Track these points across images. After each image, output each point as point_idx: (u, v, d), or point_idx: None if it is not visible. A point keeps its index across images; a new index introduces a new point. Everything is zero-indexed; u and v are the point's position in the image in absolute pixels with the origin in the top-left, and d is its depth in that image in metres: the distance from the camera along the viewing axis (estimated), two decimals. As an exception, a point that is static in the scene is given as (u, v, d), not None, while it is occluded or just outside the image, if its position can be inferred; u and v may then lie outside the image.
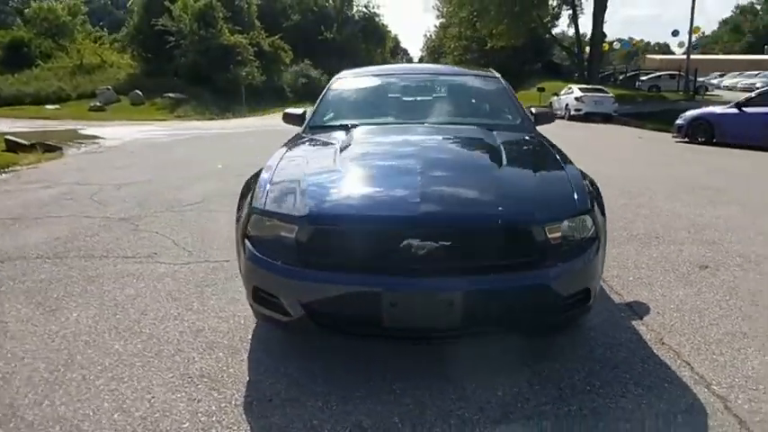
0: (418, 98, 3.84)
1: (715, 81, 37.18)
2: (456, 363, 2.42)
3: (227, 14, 33.11)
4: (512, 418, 2.09)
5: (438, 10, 74.79)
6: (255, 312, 2.52)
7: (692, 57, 29.07)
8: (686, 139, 11.50)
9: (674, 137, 12.08)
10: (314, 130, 3.48)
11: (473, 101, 3.89)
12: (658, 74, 34.28)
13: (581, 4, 32.30)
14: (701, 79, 30.99)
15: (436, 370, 2.39)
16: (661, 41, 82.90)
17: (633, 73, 35.63)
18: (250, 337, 2.76)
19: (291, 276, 2.21)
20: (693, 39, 29.54)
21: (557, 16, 33.60)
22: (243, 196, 2.72)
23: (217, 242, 4.29)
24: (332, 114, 3.70)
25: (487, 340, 2.37)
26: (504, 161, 2.57)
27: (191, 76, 30.82)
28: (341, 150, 2.80)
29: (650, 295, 3.25)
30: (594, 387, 2.30)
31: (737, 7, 79.29)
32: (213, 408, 2.17)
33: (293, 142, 3.18)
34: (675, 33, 30.74)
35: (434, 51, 79.53)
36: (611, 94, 20.25)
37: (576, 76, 44.65)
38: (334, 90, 3.83)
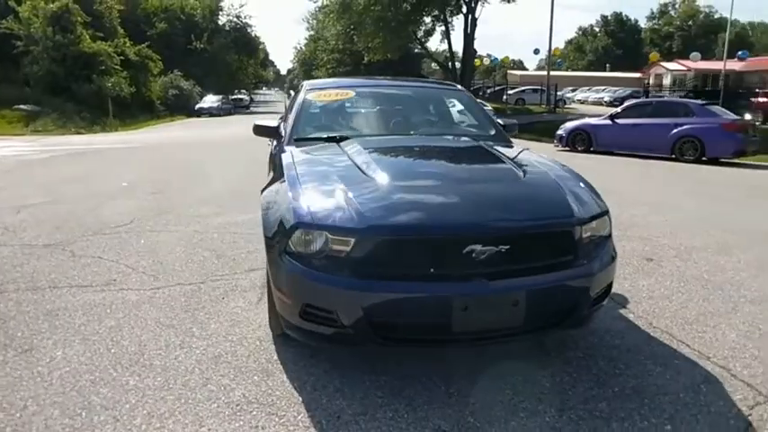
0: (397, 110, 3.93)
1: (569, 95, 41.57)
2: (489, 363, 2.54)
3: (87, 19, 30.33)
4: (571, 404, 2.26)
5: (308, 22, 75.01)
6: (292, 329, 2.43)
7: (550, 73, 32.39)
8: (567, 148, 12.80)
9: (555, 146, 13.37)
10: (301, 142, 3.40)
11: (450, 113, 4.06)
12: (523, 88, 37.62)
13: (452, 21, 34.40)
14: (559, 93, 34.53)
15: (475, 371, 2.49)
16: (515, 58, 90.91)
17: (500, 87, 38.68)
18: (276, 357, 2.64)
19: (354, 288, 2.18)
20: (551, 57, 32.85)
21: (430, 32, 35.41)
22: (269, 209, 2.59)
23: (177, 264, 4.00)
24: (316, 126, 3.65)
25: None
26: (520, 169, 2.75)
27: (46, 86, 27.61)
28: (358, 161, 2.80)
29: (620, 287, 3.63)
30: (622, 369, 2.55)
31: (580, 29, 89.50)
32: (281, 431, 2.07)
33: (294, 155, 3.08)
34: (537, 51, 33.99)
35: (306, 63, 79.76)
36: (489, 107, 21.76)
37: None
38: (309, 101, 3.78)
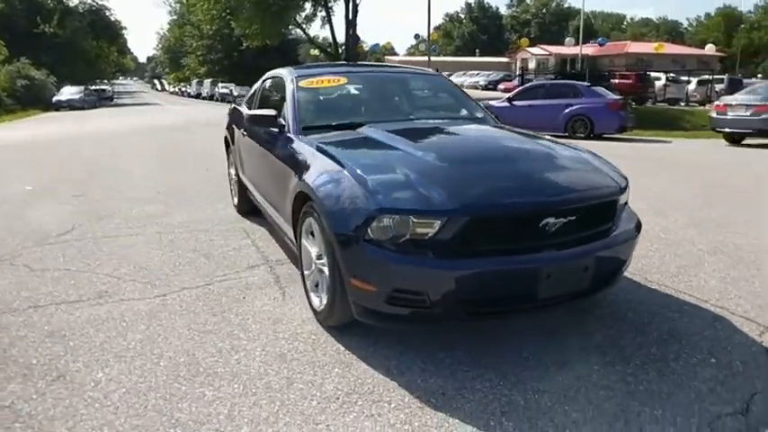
0: (392, 95, 3.96)
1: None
2: (540, 329, 2.76)
3: None
4: (629, 352, 2.54)
5: (170, 5, 70.07)
6: (368, 314, 2.44)
7: (423, 58, 33.51)
8: (471, 129, 13.51)
9: (458, 127, 14.03)
10: (309, 131, 3.33)
11: (442, 98, 4.16)
12: (405, 74, 38.49)
13: (332, 6, 34.22)
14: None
15: (527, 338, 2.69)
16: (389, 44, 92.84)
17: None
18: (342, 348, 2.62)
19: (446, 268, 2.26)
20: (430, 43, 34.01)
21: (311, 18, 34.88)
22: (339, 198, 2.51)
23: (166, 268, 3.73)
24: (319, 114, 3.58)
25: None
26: (550, 147, 2.97)
27: None
28: (401, 146, 2.84)
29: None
30: (650, 318, 2.90)
31: (447, 15, 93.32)
32: (401, 416, 2.10)
33: (317, 143, 3.01)
34: (417, 37, 34.96)
35: (172, 51, 74.61)
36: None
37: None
38: (304, 89, 3.67)
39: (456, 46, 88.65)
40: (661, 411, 2.12)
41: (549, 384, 2.30)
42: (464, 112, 3.93)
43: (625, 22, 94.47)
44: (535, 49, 47.86)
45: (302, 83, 3.73)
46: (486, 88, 40.89)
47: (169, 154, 10.08)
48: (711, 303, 3.10)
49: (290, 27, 35.98)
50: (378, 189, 2.39)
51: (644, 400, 2.19)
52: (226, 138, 5.31)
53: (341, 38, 34.94)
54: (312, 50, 52.84)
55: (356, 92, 3.97)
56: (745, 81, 24.32)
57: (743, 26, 52.11)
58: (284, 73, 4.02)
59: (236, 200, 5.28)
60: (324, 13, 33.94)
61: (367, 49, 44.69)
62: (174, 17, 74.29)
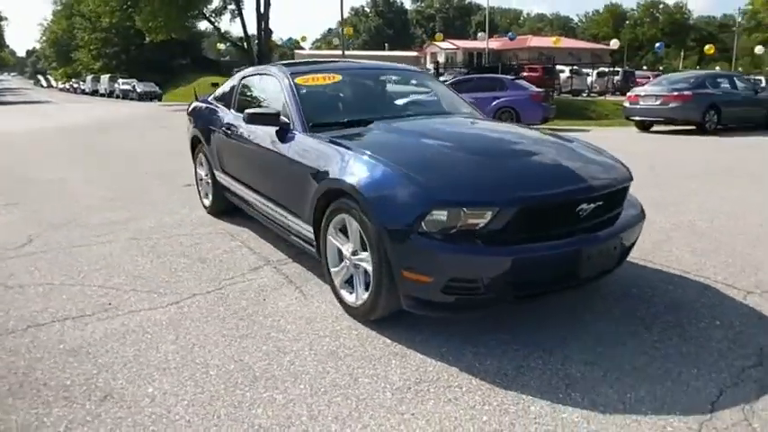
0: (388, 92, 4.00)
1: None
2: (561, 309, 2.98)
3: None
4: (648, 322, 2.81)
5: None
6: (419, 304, 2.52)
7: (333, 52, 33.52)
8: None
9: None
10: (319, 128, 3.32)
11: (432, 94, 4.25)
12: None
13: (241, 2, 33.22)
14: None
15: (550, 318, 2.90)
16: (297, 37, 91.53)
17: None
18: (389, 340, 2.67)
19: (500, 255, 2.39)
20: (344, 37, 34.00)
21: (220, 11, 33.59)
22: (389, 194, 2.55)
23: (162, 275, 3.56)
24: (325, 112, 3.56)
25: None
26: (561, 138, 3.18)
27: None
28: (428, 142, 2.93)
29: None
30: (652, 291, 3.20)
31: (353, 9, 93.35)
32: (476, 398, 2.20)
33: (337, 141, 3.02)
34: (330, 31, 34.59)
35: (60, 44, 68.82)
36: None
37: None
38: (302, 87, 3.63)
39: (363, 40, 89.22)
40: (696, 370, 2.39)
41: (594, 357, 2.50)
42: (456, 107, 4.06)
43: (522, 18, 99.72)
44: (444, 44, 49.29)
45: (298, 80, 3.69)
46: (400, 82, 41.56)
47: (96, 158, 9.40)
48: (694, 274, 3.47)
49: (196, 20, 34.43)
50: (429, 183, 2.47)
51: (678, 362, 2.45)
52: (194, 138, 5.09)
53: (251, 31, 34.07)
54: (219, 44, 51.05)
55: (353, 89, 3.98)
56: (637, 73, 26.62)
57: (628, 22, 57.06)
58: (274, 70, 3.94)
59: (206, 201, 5.09)
60: (234, 6, 32.83)
61: (281, 43, 43.89)
62: (59, 7, 68.55)
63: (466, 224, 2.40)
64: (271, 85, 3.95)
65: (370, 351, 2.58)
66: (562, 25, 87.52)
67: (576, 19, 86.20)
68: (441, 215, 2.39)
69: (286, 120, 3.46)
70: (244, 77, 4.48)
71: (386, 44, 66.33)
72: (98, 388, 2.31)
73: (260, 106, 3.98)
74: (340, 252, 2.97)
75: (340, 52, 50.53)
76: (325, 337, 2.72)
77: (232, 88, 4.58)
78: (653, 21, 56.38)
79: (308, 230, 3.18)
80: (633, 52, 51.44)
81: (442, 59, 50.59)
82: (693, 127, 11.54)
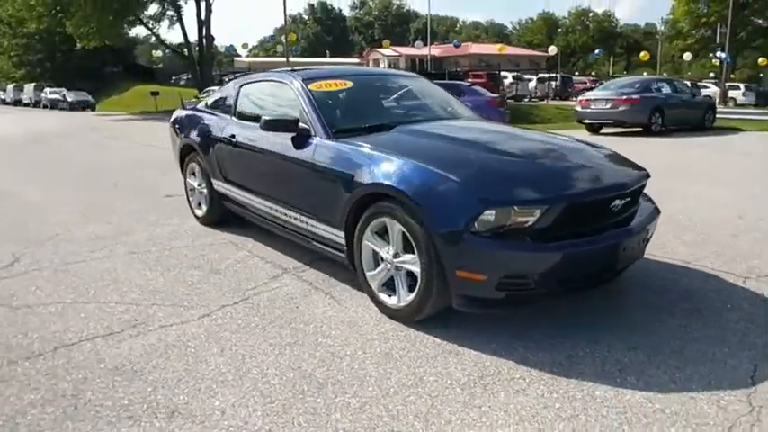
0: (399, 98, 4.05)
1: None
2: (583, 305, 3.15)
3: None
4: (671, 309, 3.01)
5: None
6: (470, 303, 2.61)
7: (276, 59, 33.25)
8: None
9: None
10: (343, 134, 3.34)
11: (436, 99, 4.32)
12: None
13: (182, 6, 32.30)
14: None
15: (589, 313, 3.07)
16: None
17: (239, 74, 37.95)
18: (439, 340, 2.73)
19: (549, 251, 2.51)
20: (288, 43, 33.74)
21: (159, 17, 32.45)
22: (439, 196, 2.62)
23: (179, 288, 3.47)
24: (345, 118, 3.58)
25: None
26: (577, 141, 3.36)
27: None
28: (454, 145, 3.03)
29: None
30: (664, 281, 3.43)
31: (290, 16, 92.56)
32: (542, 387, 2.30)
33: (363, 146, 3.08)
34: (273, 37, 34.22)
35: (-26, 49, 64.26)
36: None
37: (185, 80, 44.28)
38: (318, 93, 3.64)
39: (302, 47, 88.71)
40: (727, 349, 2.59)
41: (633, 343, 2.66)
42: (461, 111, 4.18)
43: (458, 25, 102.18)
44: (386, 51, 49.80)
45: (311, 86, 3.70)
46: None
47: (48, 171, 8.90)
48: (693, 264, 3.74)
49: (133, 26, 33.13)
50: (479, 185, 2.56)
51: (708, 343, 2.65)
52: (185, 147, 4.95)
53: (192, 38, 33.14)
54: (154, 52, 49.36)
55: (365, 94, 4.01)
56: (574, 79, 27.98)
57: (560, 30, 59.84)
58: (283, 77, 3.93)
59: (199, 212, 4.97)
60: (173, 12, 31.86)
61: (223, 50, 42.96)
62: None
63: (515, 223, 2.52)
64: (280, 92, 3.93)
65: (424, 350, 2.64)
66: (497, 32, 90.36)
67: (510, 26, 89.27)
68: (491, 215, 2.49)
69: (305, 126, 3.45)
70: (243, 85, 4.42)
71: (327, 51, 66.29)
72: (161, 405, 2.24)
73: (267, 113, 3.94)
74: (376, 255, 3.01)
75: (281, 59, 50.01)
76: (374, 340, 2.75)
77: (230, 96, 4.50)
78: (584, 29, 59.45)
79: (337, 236, 3.20)
80: (566, 59, 53.89)
81: (383, 66, 51.13)
82: (640, 129, 12.28)
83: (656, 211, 3.14)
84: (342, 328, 2.88)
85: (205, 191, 4.76)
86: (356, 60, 59.15)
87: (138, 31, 40.95)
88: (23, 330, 2.92)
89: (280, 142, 3.60)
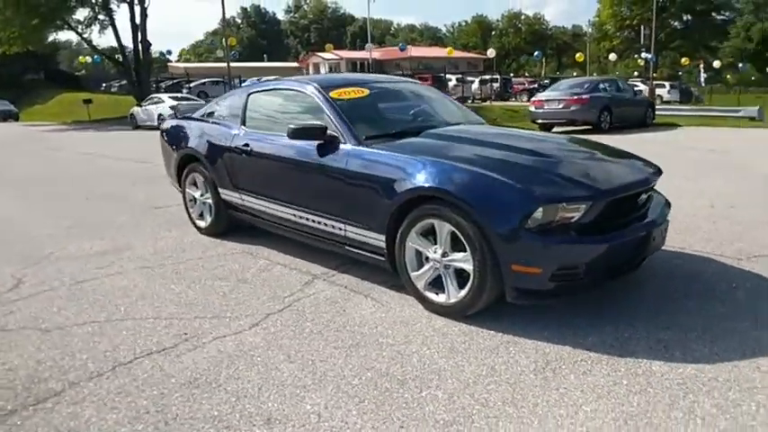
0: (414, 105, 4.19)
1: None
2: (611, 295, 3.40)
3: None
4: (686, 293, 3.32)
5: None
6: (524, 295, 2.79)
7: (214, 65, 32.53)
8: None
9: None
10: (372, 140, 3.45)
11: (447, 105, 4.49)
12: (204, 81, 36.80)
13: (117, 11, 30.98)
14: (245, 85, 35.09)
15: (618, 301, 3.33)
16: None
17: (178, 80, 36.80)
18: (495, 331, 2.90)
19: (598, 243, 2.74)
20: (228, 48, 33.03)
21: (90, 22, 30.82)
22: (495, 197, 2.78)
23: (214, 300, 3.46)
24: (370, 124, 3.66)
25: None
26: (592, 141, 3.62)
27: None
28: (492, 148, 3.21)
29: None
30: (672, 268, 3.75)
31: (223, 20, 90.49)
32: (606, 368, 2.51)
33: (400, 151, 3.22)
34: (212, 43, 33.40)
35: None
36: (201, 101, 21.07)
37: (117, 86, 42.38)
38: (339, 101, 3.72)
39: (237, 51, 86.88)
40: (748, 323, 2.91)
41: (666, 324, 2.92)
42: (468, 116, 4.37)
43: (393, 28, 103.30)
44: (326, 54, 49.74)
45: (332, 94, 3.77)
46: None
47: (4, 186, 8.40)
48: (688, 249, 4.10)
49: (60, 31, 31.44)
50: (530, 185, 2.75)
51: (730, 319, 2.96)
52: (185, 158, 4.86)
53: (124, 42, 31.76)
54: (81, 57, 46.91)
55: (384, 101, 4.11)
56: (513, 80, 29.06)
57: (494, 32, 61.88)
58: (300, 85, 3.97)
59: (202, 223, 4.91)
60: (104, 17, 30.42)
61: (157, 55, 41.43)
62: None
63: (562, 218, 2.72)
64: (297, 101, 3.98)
65: (484, 343, 2.79)
66: (432, 35, 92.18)
67: (444, 29, 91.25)
68: (541, 212, 2.68)
69: (334, 133, 3.53)
70: (251, 94, 4.42)
71: (264, 55, 65.32)
72: (253, 414, 2.27)
73: (284, 122, 4.00)
74: (420, 256, 3.14)
75: (218, 64, 48.67)
76: (432, 336, 2.88)
77: (235, 105, 4.49)
78: (516, 31, 61.75)
79: (376, 239, 3.30)
80: (501, 60, 55.75)
81: (324, 70, 51.03)
82: (590, 127, 13.02)
83: (668, 204, 3.44)
84: (397, 328, 2.99)
85: (209, 201, 4.71)
86: (295, 65, 58.71)
87: (62, 36, 38.77)
88: (68, 352, 2.84)
89: (304, 150, 3.65)
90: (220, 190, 4.53)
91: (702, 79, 35.92)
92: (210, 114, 4.80)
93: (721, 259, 3.88)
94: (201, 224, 4.91)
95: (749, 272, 3.64)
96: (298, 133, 3.53)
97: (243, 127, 4.32)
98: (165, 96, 20.90)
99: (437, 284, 3.10)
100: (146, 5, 29.17)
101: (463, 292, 2.94)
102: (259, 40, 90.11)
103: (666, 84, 29.88)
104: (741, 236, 4.41)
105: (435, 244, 3.04)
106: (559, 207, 2.70)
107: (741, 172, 7.59)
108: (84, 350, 2.85)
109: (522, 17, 63.27)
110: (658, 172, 3.31)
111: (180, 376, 2.57)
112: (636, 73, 41.26)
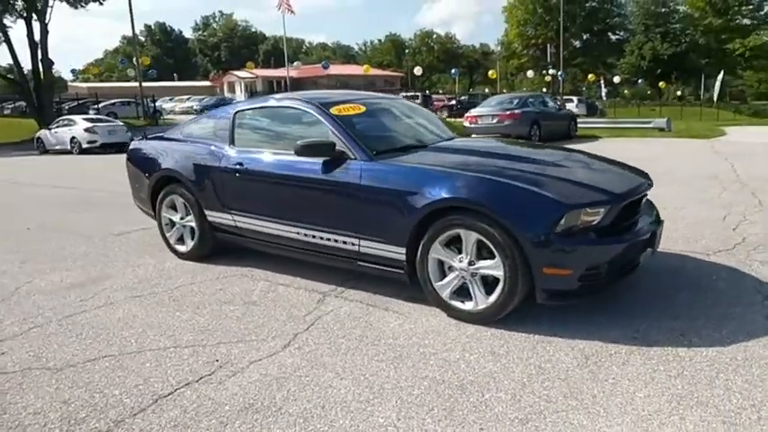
0: (407, 121, 4.28)
1: (167, 105, 40.79)
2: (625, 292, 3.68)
3: None
4: (697, 284, 3.66)
5: None
6: (552, 296, 2.97)
7: (124, 84, 31.08)
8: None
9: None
10: (383, 154, 3.53)
11: (432, 119, 4.60)
12: (113, 101, 34.92)
13: (12, 26, 28.59)
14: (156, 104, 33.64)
15: (633, 297, 3.60)
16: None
17: (83, 101, 34.58)
18: (526, 333, 3.04)
19: (618, 243, 2.99)
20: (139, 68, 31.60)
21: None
22: (525, 205, 2.94)
23: (230, 326, 3.35)
24: (375, 139, 3.72)
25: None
26: (587, 153, 3.91)
27: None
28: (495, 159, 3.41)
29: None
30: (676, 267, 4.09)
31: (125, 38, 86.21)
32: (641, 358, 2.73)
33: (418, 165, 3.33)
34: (123, 62, 31.93)
35: None
36: (121, 123, 19.96)
37: (10, 108, 38.85)
38: (341, 116, 3.75)
39: (142, 70, 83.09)
40: (739, 308, 3.26)
41: (672, 315, 3.21)
42: (452, 130, 4.55)
43: (305, 47, 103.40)
44: (242, 72, 48.91)
45: (333, 111, 3.80)
46: (202, 113, 40.04)
47: None
48: (662, 248, 4.46)
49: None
50: (555, 192, 2.94)
51: (724, 305, 3.31)
52: (161, 180, 4.64)
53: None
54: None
55: (381, 118, 4.17)
56: (433, 96, 30.05)
57: (407, 51, 63.79)
58: (299, 102, 3.95)
59: (182, 247, 4.69)
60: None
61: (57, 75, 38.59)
62: None
63: (583, 222, 2.94)
64: (294, 118, 3.97)
65: (521, 344, 2.93)
66: (345, 53, 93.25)
67: (356, 47, 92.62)
68: (567, 217, 2.88)
69: (342, 149, 3.56)
70: (238, 112, 4.33)
71: (175, 74, 62.95)
72: None
73: (279, 140, 3.99)
74: (442, 266, 3.24)
75: (125, 84, 46.34)
76: (470, 342, 2.97)
77: (220, 124, 4.38)
78: (429, 49, 64.03)
79: (396, 252, 3.35)
80: (415, 77, 57.37)
81: (239, 88, 50.09)
82: (522, 140, 13.75)
83: (653, 205, 3.78)
84: (431, 337, 3.05)
85: (191, 224, 4.54)
86: (207, 83, 57.13)
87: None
88: (94, 389, 2.64)
89: (308, 167, 3.65)
90: (207, 212, 4.37)
91: (603, 94, 39.18)
92: (189, 135, 4.64)
93: (693, 255, 4.29)
94: (181, 249, 4.70)
95: (722, 265, 4.06)
96: (306, 150, 3.53)
97: (231, 146, 4.22)
98: (77, 118, 19.53)
99: (461, 293, 3.20)
100: (46, 21, 27.24)
101: (492, 298, 3.06)
102: (165, 59, 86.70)
103: (574, 98, 32.22)
104: (702, 234, 4.91)
105: (459, 254, 3.15)
106: (582, 212, 2.91)
107: (671, 176, 8.34)
108: (112, 386, 2.67)
109: (434, 36, 65.83)
110: (649, 179, 3.65)
111: (233, 403, 2.48)
112: (543, 89, 44.14)
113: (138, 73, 31.03)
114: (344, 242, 3.59)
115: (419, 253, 3.26)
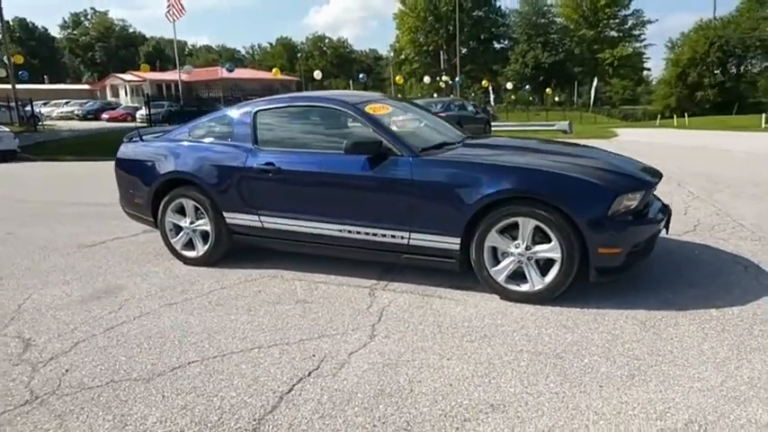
0: (428, 119, 4.49)
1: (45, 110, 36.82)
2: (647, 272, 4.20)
3: None
4: (708, 265, 4.26)
5: None
6: (604, 273, 3.37)
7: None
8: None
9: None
10: (425, 151, 3.74)
11: (441, 120, 4.85)
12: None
13: None
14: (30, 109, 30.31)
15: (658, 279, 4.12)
16: None
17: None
18: (580, 309, 3.41)
19: (653, 223, 3.48)
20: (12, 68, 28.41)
21: None
22: (583, 192, 3.31)
23: (299, 323, 3.37)
24: (413, 138, 3.90)
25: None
26: (599, 149, 4.39)
27: None
28: (531, 154, 3.78)
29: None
30: (695, 255, 4.69)
31: (3, 33, 76.42)
32: (672, 330, 3.20)
33: (470, 160, 3.60)
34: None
35: None
36: (8, 130, 17.82)
37: None
38: (378, 115, 3.90)
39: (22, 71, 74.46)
40: (733, 276, 3.89)
41: (686, 283, 3.77)
42: (455, 130, 4.85)
43: (188, 49, 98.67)
44: (127, 75, 45.70)
45: (368, 109, 3.94)
46: (85, 118, 36.91)
47: None
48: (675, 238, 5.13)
49: None
50: (604, 181, 3.35)
51: (723, 276, 3.92)
52: (167, 183, 4.42)
53: None
54: None
55: (404, 116, 4.35)
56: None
57: (300, 55, 63.36)
58: (334, 102, 4.04)
59: (190, 252, 4.52)
60: None
61: None
62: None
63: (625, 206, 3.38)
64: (325, 117, 4.06)
65: (581, 318, 3.29)
66: (231, 56, 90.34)
67: (242, 50, 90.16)
68: (618, 201, 3.31)
69: (389, 147, 3.71)
70: (258, 112, 4.28)
71: (45, 76, 57.00)
72: (471, 405, 2.43)
73: (309, 138, 4.06)
74: (495, 253, 3.52)
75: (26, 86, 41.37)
76: (538, 319, 3.28)
77: (240, 124, 4.30)
78: (322, 54, 64.10)
79: (450, 243, 3.57)
80: (309, 82, 57.22)
81: (125, 92, 46.74)
82: (542, 139, 14.56)
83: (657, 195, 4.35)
84: (502, 319, 3.31)
85: (206, 227, 4.40)
86: (86, 87, 52.60)
87: None
88: (207, 393, 2.58)
89: (351, 164, 3.76)
90: (227, 214, 4.28)
91: (492, 99, 41.92)
92: (199, 135, 4.49)
93: (671, 236, 4.95)
94: (190, 254, 4.52)
95: (697, 243, 4.76)
96: (355, 148, 3.64)
97: (256, 145, 4.18)
98: None
99: (515, 277, 3.51)
100: None
101: (549, 279, 3.40)
102: (29, 59, 78.24)
103: (468, 104, 34.12)
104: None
105: (513, 240, 3.45)
106: (625, 197, 3.35)
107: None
108: (224, 389, 2.62)
109: (327, 41, 66.10)
110: (657, 170, 4.21)
111: (364, 390, 2.56)
112: (435, 94, 46.17)
113: (11, 74, 27.83)
114: (393, 236, 3.73)
115: (474, 242, 3.51)
